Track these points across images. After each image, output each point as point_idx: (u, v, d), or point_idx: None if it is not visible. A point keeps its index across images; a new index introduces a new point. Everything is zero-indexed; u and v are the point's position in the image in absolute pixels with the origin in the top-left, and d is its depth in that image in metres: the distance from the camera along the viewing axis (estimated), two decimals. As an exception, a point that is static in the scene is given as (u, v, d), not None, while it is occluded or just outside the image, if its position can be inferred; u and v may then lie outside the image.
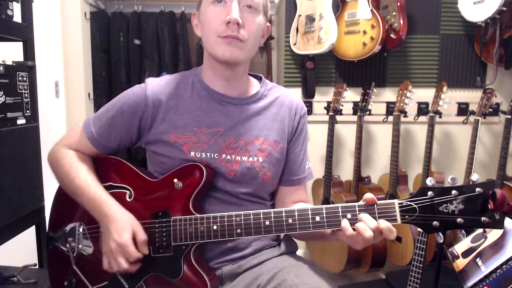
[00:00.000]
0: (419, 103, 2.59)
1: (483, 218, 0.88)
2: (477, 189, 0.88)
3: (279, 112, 1.17)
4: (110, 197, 1.08)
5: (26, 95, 1.36)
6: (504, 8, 2.10)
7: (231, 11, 1.03)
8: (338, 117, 2.40)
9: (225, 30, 1.03)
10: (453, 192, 0.89)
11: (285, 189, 1.21)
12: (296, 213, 0.98)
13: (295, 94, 1.24)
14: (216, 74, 1.13)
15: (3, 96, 1.25)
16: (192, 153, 1.09)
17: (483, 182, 0.89)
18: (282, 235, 1.22)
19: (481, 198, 0.88)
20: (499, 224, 0.88)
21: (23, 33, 1.40)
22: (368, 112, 2.39)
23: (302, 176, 1.22)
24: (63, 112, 2.47)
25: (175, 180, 1.07)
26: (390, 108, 2.60)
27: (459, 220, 0.89)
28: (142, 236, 1.03)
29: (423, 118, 2.49)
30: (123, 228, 1.01)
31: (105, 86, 2.67)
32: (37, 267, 1.47)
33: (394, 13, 2.33)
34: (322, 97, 2.62)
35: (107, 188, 1.12)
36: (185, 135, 1.10)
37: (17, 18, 1.38)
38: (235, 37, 1.04)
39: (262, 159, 1.13)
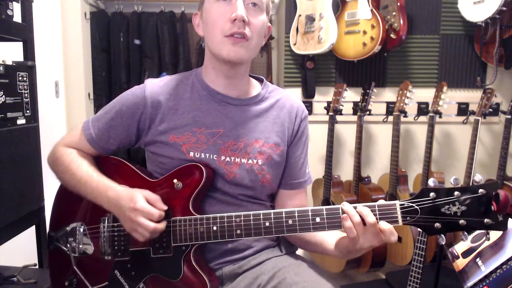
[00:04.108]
0: (419, 103, 2.59)
1: (486, 220, 0.87)
2: (480, 190, 0.87)
3: (279, 115, 1.17)
4: (114, 182, 1.08)
5: (26, 95, 1.36)
6: (504, 8, 2.09)
7: (236, 8, 1.02)
8: (338, 117, 2.40)
9: (230, 28, 1.03)
10: (456, 193, 0.89)
11: (285, 193, 1.21)
12: (296, 214, 0.97)
13: (296, 97, 1.23)
14: (218, 73, 1.12)
15: (3, 96, 1.25)
16: (191, 154, 1.09)
17: (486, 183, 0.88)
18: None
19: (484, 199, 0.87)
20: (502, 226, 0.87)
21: (23, 33, 1.40)
22: (368, 112, 2.39)
23: (302, 180, 1.21)
24: (63, 112, 2.47)
25: (175, 180, 1.07)
26: (390, 108, 2.60)
27: (461, 222, 0.89)
28: (153, 196, 1.02)
29: (423, 118, 2.49)
30: (134, 197, 1.01)
31: (105, 86, 2.67)
32: (37, 267, 1.47)
33: (394, 13, 2.33)
34: (322, 97, 2.62)
35: (107, 188, 1.12)
36: (184, 135, 1.10)
37: (17, 18, 1.38)
38: (241, 33, 1.03)
39: (262, 162, 1.12)
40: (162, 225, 1.01)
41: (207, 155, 1.10)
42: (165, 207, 1.03)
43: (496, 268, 1.13)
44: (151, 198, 1.02)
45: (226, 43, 1.04)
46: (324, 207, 0.96)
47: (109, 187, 1.07)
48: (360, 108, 2.39)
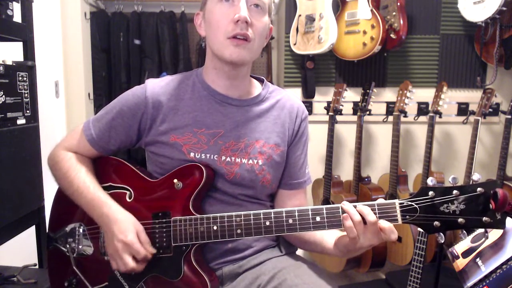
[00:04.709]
0: (419, 103, 2.59)
1: (484, 218, 0.88)
2: (479, 189, 0.88)
3: (280, 115, 1.17)
4: (110, 198, 1.08)
5: (26, 95, 1.36)
6: (504, 8, 2.09)
7: (239, 9, 1.02)
8: (338, 117, 2.40)
9: (233, 29, 1.03)
10: (454, 192, 0.89)
11: (284, 193, 1.21)
12: (296, 213, 0.98)
13: (296, 97, 1.23)
14: (219, 74, 1.12)
15: (3, 96, 1.25)
16: (192, 154, 1.09)
17: (484, 182, 0.88)
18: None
19: (483, 198, 0.88)
20: (500, 224, 0.87)
21: (23, 33, 1.40)
22: (368, 112, 2.38)
23: (302, 180, 1.21)
24: (63, 112, 2.47)
25: (175, 180, 1.07)
26: (390, 108, 2.60)
27: (460, 220, 0.89)
28: (145, 237, 1.03)
29: (423, 118, 2.49)
30: (127, 228, 1.01)
31: (105, 86, 2.67)
32: (37, 267, 1.47)
33: (394, 13, 2.33)
34: (322, 97, 2.62)
35: (107, 188, 1.12)
36: (185, 135, 1.10)
37: (17, 18, 1.38)
38: (243, 35, 1.03)
39: (262, 162, 1.12)
40: (140, 268, 1.02)
41: (208, 155, 1.10)
42: (153, 251, 1.03)
43: (496, 268, 1.13)
44: (142, 239, 1.02)
45: (228, 44, 1.04)
46: (324, 206, 0.97)
47: (104, 203, 1.06)
48: (360, 108, 2.39)
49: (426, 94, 2.57)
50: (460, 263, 1.27)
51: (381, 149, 2.67)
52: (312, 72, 2.53)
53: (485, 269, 1.16)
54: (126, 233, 1.00)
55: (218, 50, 1.07)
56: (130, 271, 1.02)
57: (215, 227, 1.01)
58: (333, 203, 1.33)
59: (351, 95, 2.58)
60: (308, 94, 2.57)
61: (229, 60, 1.06)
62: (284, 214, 0.98)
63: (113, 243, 1.02)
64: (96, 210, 1.06)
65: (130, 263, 0.99)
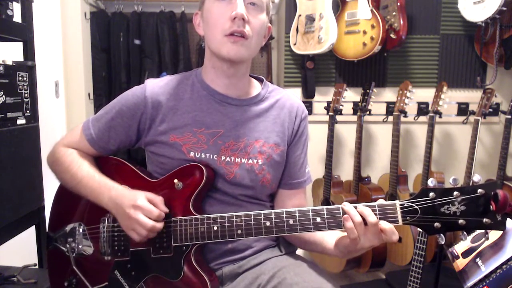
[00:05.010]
0: (419, 103, 2.59)
1: (484, 220, 0.88)
2: (479, 190, 0.88)
3: (279, 115, 1.17)
4: (116, 183, 1.08)
5: (26, 95, 1.36)
6: (504, 8, 2.09)
7: (236, 6, 1.03)
8: (338, 117, 2.40)
9: (230, 26, 1.03)
10: (455, 193, 0.89)
11: (284, 192, 1.21)
12: (297, 214, 0.98)
13: (296, 97, 1.23)
14: (218, 73, 1.12)
15: (3, 96, 1.25)
16: (192, 154, 1.09)
17: (485, 183, 0.89)
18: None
19: (483, 199, 0.88)
20: (501, 226, 0.87)
21: (23, 33, 1.40)
22: (368, 112, 2.38)
23: (301, 180, 1.21)
24: (63, 112, 2.46)
25: (176, 180, 1.07)
26: (390, 108, 2.60)
27: (460, 221, 0.89)
28: (156, 198, 1.02)
29: (423, 118, 2.49)
30: (136, 195, 1.01)
31: (105, 86, 2.67)
32: (37, 267, 1.47)
33: (394, 13, 2.33)
34: (322, 97, 2.62)
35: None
36: (185, 135, 1.10)
37: (17, 18, 1.38)
38: (240, 32, 1.03)
39: (262, 162, 1.12)
40: (160, 225, 1.00)
41: (208, 155, 1.10)
42: (166, 210, 1.02)
43: (496, 268, 1.13)
44: (153, 199, 1.02)
45: (226, 42, 1.04)
46: (324, 207, 0.97)
47: (112, 187, 1.07)
48: (360, 108, 2.39)
49: (426, 94, 2.57)
50: (460, 263, 1.28)
51: (381, 149, 2.67)
52: (312, 72, 2.53)
53: (485, 269, 1.16)
54: (135, 198, 1.00)
55: (216, 48, 1.07)
56: (151, 231, 0.99)
57: (215, 228, 1.01)
58: (333, 203, 1.34)
59: (351, 95, 2.58)
60: (308, 94, 2.57)
61: (227, 57, 1.06)
62: (284, 215, 0.98)
63: (124, 213, 1.00)
64: (104, 196, 1.06)
65: (148, 221, 0.98)
